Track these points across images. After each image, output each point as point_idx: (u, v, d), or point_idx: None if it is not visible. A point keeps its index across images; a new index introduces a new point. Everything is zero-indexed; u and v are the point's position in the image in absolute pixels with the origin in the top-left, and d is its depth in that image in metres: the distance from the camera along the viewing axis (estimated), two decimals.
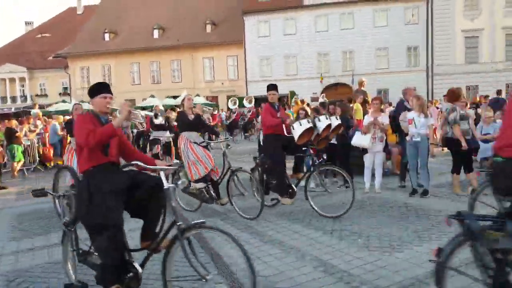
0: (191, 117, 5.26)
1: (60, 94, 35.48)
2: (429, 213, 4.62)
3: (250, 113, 17.33)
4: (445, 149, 7.58)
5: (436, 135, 7.63)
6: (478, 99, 12.16)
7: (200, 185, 4.96)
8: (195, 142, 5.08)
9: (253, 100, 17.57)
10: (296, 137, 4.78)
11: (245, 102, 17.34)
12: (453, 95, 5.58)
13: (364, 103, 7.51)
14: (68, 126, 6.12)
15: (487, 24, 26.91)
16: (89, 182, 2.61)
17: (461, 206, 4.18)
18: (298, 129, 4.75)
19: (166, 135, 8.56)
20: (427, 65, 28.49)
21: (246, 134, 17.54)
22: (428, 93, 27.26)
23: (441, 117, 9.46)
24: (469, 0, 27.06)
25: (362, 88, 8.04)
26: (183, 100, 5.61)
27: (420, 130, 5.46)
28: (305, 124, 4.79)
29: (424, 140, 5.44)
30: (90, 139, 2.54)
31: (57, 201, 3.70)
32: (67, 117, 9.20)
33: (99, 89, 2.82)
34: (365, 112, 7.10)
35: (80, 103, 5.59)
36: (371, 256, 3.43)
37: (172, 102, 23.34)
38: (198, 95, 24.53)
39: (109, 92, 2.84)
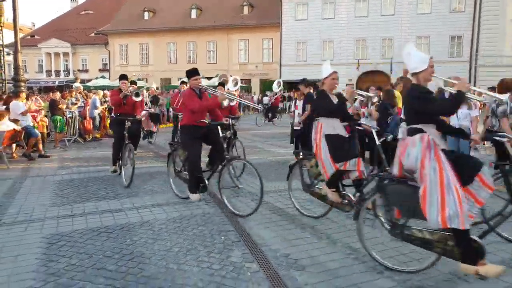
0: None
1: (100, 70, 36.83)
2: None
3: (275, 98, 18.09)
4: (487, 143, 7.15)
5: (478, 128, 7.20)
6: None
7: None
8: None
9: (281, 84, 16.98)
10: None
11: (275, 86, 16.55)
12: (505, 86, 5.14)
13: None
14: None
15: None
16: None
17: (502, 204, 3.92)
18: None
19: None
20: (471, 56, 26.78)
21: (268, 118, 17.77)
22: None
23: (483, 109, 8.87)
24: None
25: (408, 76, 7.61)
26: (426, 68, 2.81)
27: (462, 122, 5.14)
28: None
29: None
30: None
31: None
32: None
33: None
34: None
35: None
36: (405, 248, 3.32)
37: (206, 82, 23.46)
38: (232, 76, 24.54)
39: None
